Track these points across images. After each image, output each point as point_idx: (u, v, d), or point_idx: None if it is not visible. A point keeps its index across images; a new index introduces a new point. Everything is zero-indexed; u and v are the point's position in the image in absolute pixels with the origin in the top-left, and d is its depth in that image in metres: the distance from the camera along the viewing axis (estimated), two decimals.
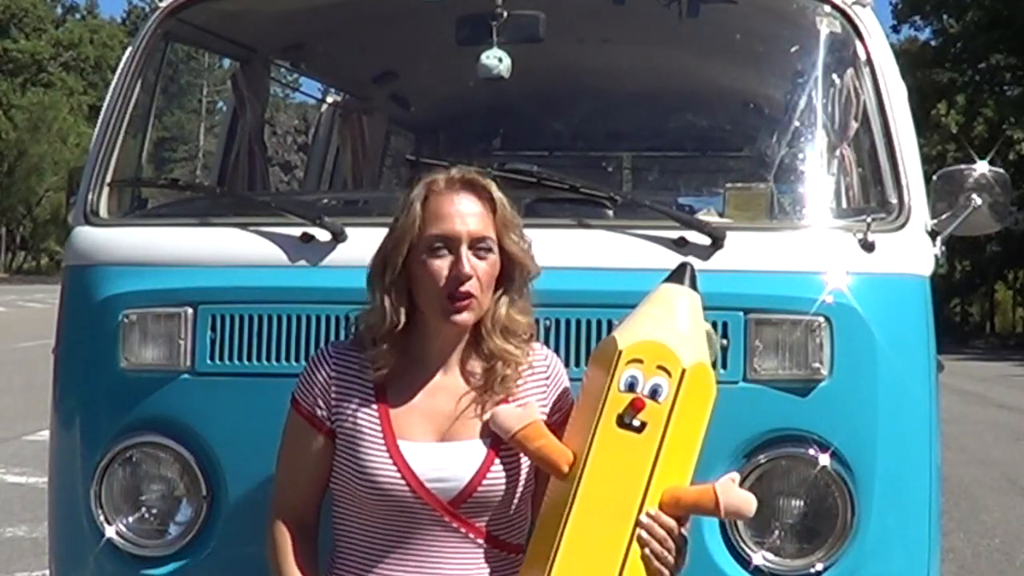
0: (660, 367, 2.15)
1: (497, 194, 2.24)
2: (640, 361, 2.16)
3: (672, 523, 2.12)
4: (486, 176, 2.29)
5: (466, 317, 2.20)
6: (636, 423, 2.13)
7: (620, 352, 2.17)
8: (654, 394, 2.15)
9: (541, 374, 2.31)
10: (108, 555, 2.77)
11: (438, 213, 2.20)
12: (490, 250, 2.21)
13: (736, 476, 2.23)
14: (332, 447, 2.24)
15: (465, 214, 2.20)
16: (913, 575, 2.76)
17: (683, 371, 2.16)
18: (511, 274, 2.25)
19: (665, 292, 2.28)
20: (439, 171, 2.26)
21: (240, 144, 3.97)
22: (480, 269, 2.19)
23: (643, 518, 2.11)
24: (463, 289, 2.17)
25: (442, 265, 2.18)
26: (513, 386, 2.25)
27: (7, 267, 59.26)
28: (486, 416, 2.22)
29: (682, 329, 2.22)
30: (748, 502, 2.18)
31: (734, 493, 2.17)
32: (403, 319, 2.21)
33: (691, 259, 2.67)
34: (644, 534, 2.10)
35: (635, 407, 2.13)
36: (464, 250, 2.18)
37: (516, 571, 2.23)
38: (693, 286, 2.28)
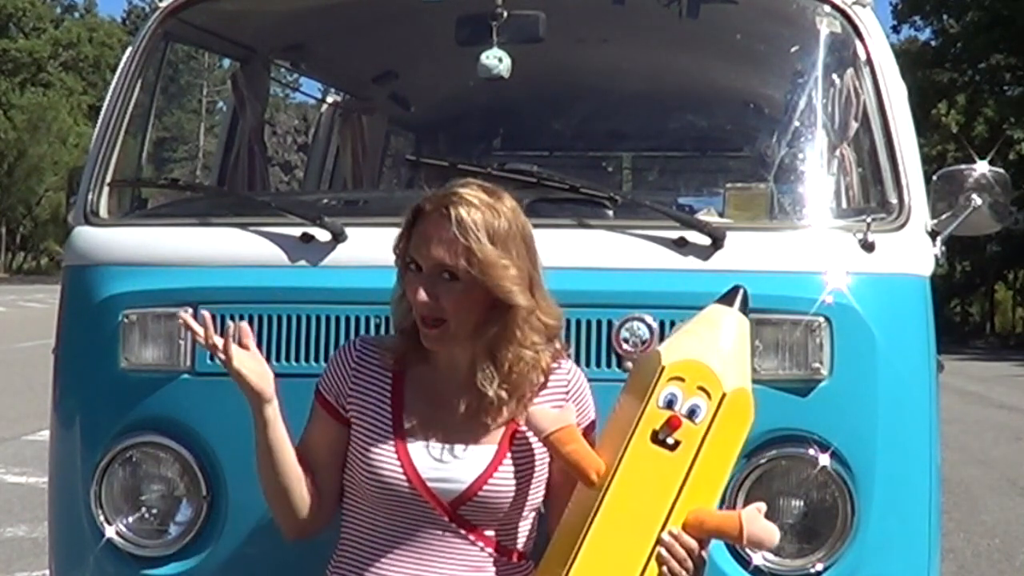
0: (701, 388, 2.15)
1: (466, 221, 2.11)
2: (682, 379, 2.15)
3: (693, 544, 2.12)
4: (471, 204, 2.14)
5: (432, 343, 2.19)
6: (670, 441, 2.13)
7: (663, 368, 2.16)
8: (692, 414, 2.14)
9: (560, 389, 2.28)
10: (108, 555, 2.77)
11: (417, 232, 2.17)
12: (454, 278, 2.13)
13: (763, 506, 2.21)
14: (347, 437, 2.25)
15: (432, 240, 2.14)
16: (913, 575, 2.76)
17: (723, 395, 2.15)
18: (496, 306, 2.16)
19: (714, 313, 2.27)
20: (464, 183, 2.20)
21: (240, 144, 3.97)
22: (444, 298, 2.14)
23: (665, 536, 2.11)
24: (424, 315, 2.16)
25: (409, 287, 2.18)
26: (519, 408, 2.22)
27: (7, 267, 59.27)
28: (496, 424, 2.22)
29: (727, 352, 2.21)
30: (772, 534, 2.18)
31: (759, 524, 2.17)
32: (405, 322, 2.23)
33: (691, 259, 2.68)
34: (664, 552, 2.10)
35: (671, 425, 2.13)
36: (421, 277, 2.15)
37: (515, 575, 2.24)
38: (744, 310, 2.27)
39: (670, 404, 2.14)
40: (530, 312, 2.18)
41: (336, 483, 2.29)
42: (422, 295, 2.14)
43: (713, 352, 2.19)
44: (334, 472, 2.28)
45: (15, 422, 10.68)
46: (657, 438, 2.13)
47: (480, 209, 2.14)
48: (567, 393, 2.28)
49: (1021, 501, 8.88)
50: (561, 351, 2.30)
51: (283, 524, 2.30)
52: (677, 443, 2.13)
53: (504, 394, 2.19)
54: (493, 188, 2.21)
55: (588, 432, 2.27)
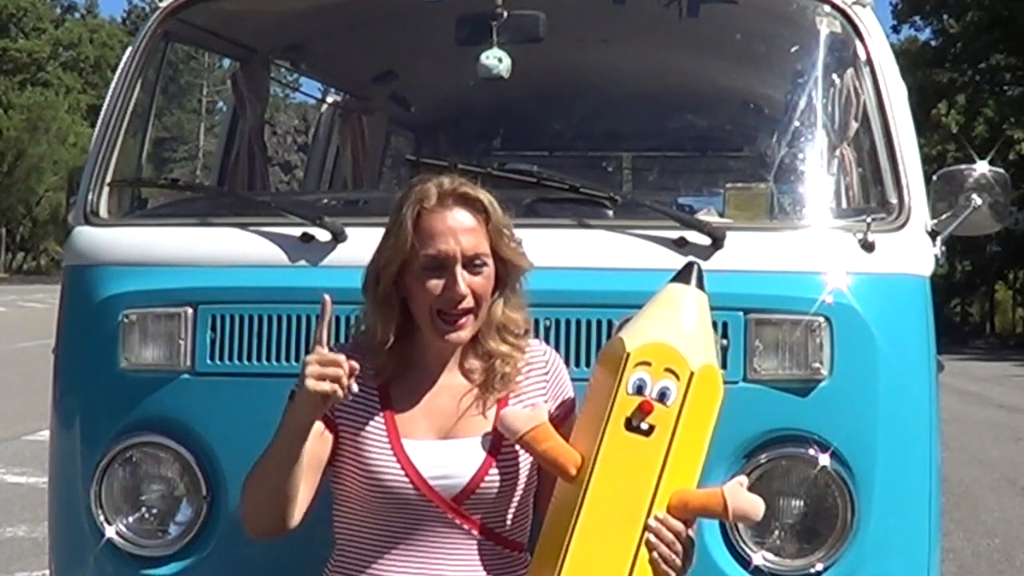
0: (668, 370, 2.15)
1: (488, 203, 2.21)
2: (648, 364, 2.15)
3: (680, 526, 2.13)
4: (475, 186, 2.25)
5: (461, 336, 2.21)
6: (644, 426, 2.13)
7: (628, 355, 2.16)
8: (662, 397, 2.14)
9: (540, 370, 2.32)
10: (108, 555, 2.77)
11: (431, 232, 2.18)
12: (485, 264, 2.20)
13: (744, 480, 2.23)
14: (329, 446, 2.23)
15: (458, 231, 2.18)
16: (913, 575, 2.76)
17: (691, 374, 2.15)
18: (505, 277, 2.26)
19: (672, 292, 2.27)
20: (430, 181, 2.23)
21: (240, 144, 3.97)
22: (476, 285, 2.19)
23: (651, 522, 2.11)
24: (459, 308, 2.18)
25: (436, 285, 2.17)
26: (513, 383, 2.26)
27: (7, 267, 59.25)
28: (487, 414, 2.23)
29: (689, 330, 2.21)
30: (756, 506, 2.19)
31: (742, 497, 2.17)
32: (391, 338, 2.22)
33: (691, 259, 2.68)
34: (652, 538, 2.11)
35: (643, 410, 2.13)
36: (458, 270, 2.17)
37: (516, 568, 2.25)
38: (700, 286, 2.27)
39: (640, 390, 2.14)
40: (524, 271, 2.27)
41: (309, 490, 2.22)
42: (461, 288, 2.16)
43: (676, 332, 2.19)
44: (310, 478, 2.21)
45: (15, 422, 10.69)
46: (631, 425, 2.13)
47: (476, 187, 2.24)
48: (546, 365, 2.32)
49: (1021, 501, 8.88)
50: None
51: (252, 523, 2.24)
52: (652, 428, 2.13)
53: (504, 348, 2.23)
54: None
55: (570, 410, 2.31)
